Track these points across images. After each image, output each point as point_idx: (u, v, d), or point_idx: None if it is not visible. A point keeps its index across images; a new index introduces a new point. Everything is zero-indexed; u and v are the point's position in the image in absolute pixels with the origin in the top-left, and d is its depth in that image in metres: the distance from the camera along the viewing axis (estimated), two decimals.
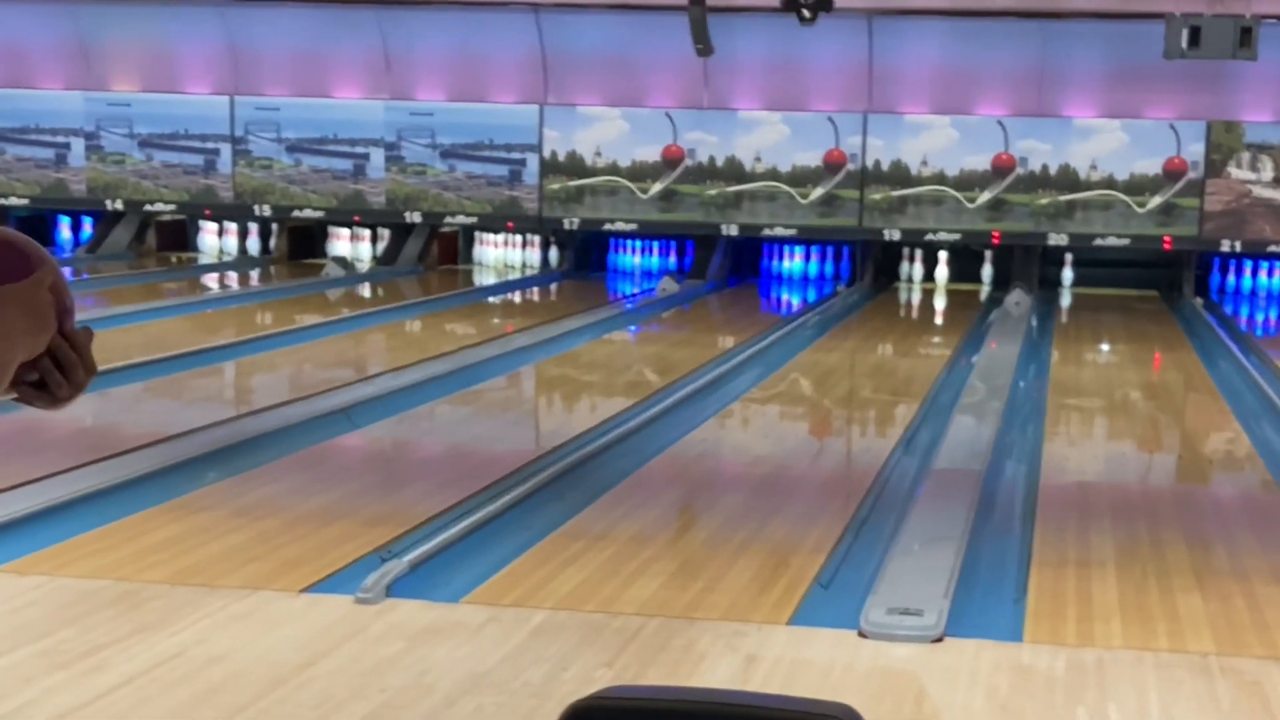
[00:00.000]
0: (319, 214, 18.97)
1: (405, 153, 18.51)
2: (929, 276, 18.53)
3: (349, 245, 19.54)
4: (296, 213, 18.97)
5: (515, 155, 18.36)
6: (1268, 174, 17.10)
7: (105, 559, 6.07)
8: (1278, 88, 16.96)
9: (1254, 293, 18.05)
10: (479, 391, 10.59)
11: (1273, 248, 17.20)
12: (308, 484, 7.58)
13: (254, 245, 19.81)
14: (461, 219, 18.66)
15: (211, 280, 17.95)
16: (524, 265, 19.33)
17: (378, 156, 18.56)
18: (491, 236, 19.37)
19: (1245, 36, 12.99)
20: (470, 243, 19.63)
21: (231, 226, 19.83)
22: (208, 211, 19.37)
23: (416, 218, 18.68)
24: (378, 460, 8.77)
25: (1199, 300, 17.04)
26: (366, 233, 19.53)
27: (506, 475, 7.68)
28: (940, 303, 17.54)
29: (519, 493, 7.20)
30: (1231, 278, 18.13)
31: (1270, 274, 18.06)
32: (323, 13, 18.09)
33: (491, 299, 17.28)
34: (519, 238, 19.33)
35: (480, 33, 18.08)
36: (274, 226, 19.66)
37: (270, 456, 8.08)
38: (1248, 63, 13.47)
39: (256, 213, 19.08)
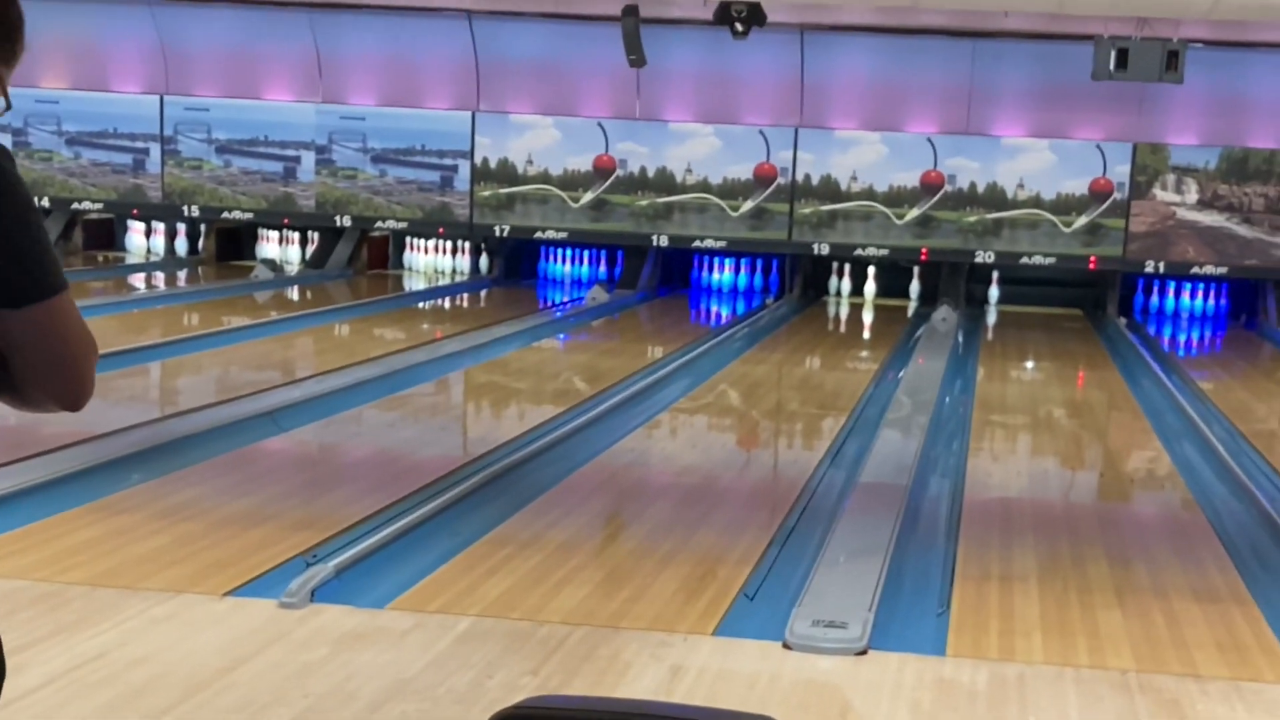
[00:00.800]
0: (248, 216, 18.86)
1: (336, 156, 18.43)
2: (857, 291, 18.64)
3: (278, 248, 19.45)
4: (225, 214, 18.85)
5: (447, 161, 18.32)
6: (1192, 196, 17.30)
7: (25, 559, 6.01)
8: (1203, 111, 17.17)
9: (1176, 313, 18.27)
10: (407, 397, 10.56)
11: (1196, 269, 17.40)
12: (232, 487, 7.53)
13: (182, 246, 19.70)
14: (392, 224, 18.60)
15: (138, 280, 17.81)
16: (454, 271, 19.31)
17: (308, 159, 18.48)
18: (422, 242, 19.34)
19: (1172, 60, 13.14)
20: (401, 248, 19.60)
21: (159, 226, 19.70)
22: (135, 211, 19.22)
23: (347, 221, 18.61)
24: (304, 464, 8.73)
25: (1123, 320, 17.22)
26: (296, 236, 19.45)
27: (434, 481, 7.67)
28: (868, 317, 17.63)
29: (446, 499, 7.18)
30: (1155, 298, 18.34)
31: (1193, 295, 18.28)
32: (254, 14, 17.99)
33: (421, 304, 17.23)
34: (450, 244, 19.31)
35: (413, 38, 18.04)
36: (202, 227, 19.55)
37: (195, 459, 8.02)
38: (1174, 86, 13.62)
39: (185, 213, 18.95)
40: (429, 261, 19.39)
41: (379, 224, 18.64)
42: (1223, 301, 18.33)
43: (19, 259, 2.15)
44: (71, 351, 2.22)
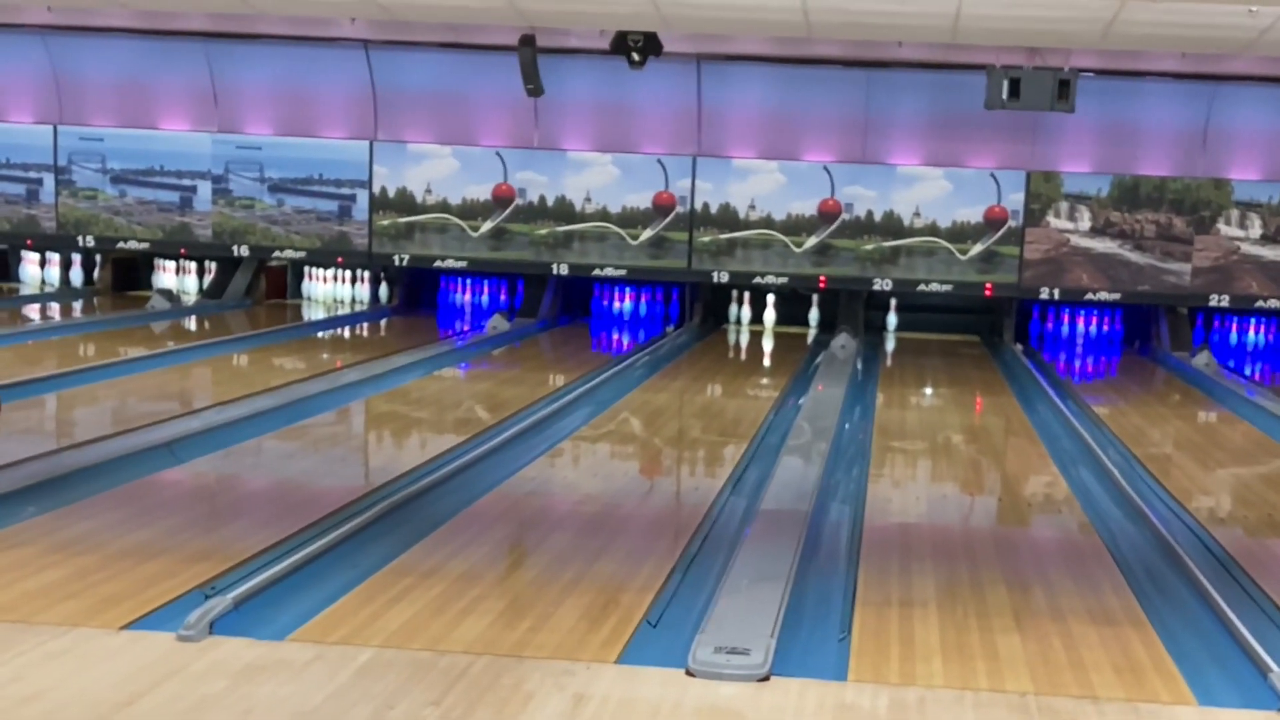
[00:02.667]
0: (144, 246, 18.67)
1: (233, 186, 18.30)
2: (757, 319, 18.76)
3: (175, 278, 19.28)
4: (121, 244, 18.65)
5: (345, 190, 18.24)
6: (1085, 224, 17.54)
7: None
8: (1094, 139, 17.43)
9: (1071, 339, 18.52)
10: (306, 427, 10.48)
11: (1090, 295, 17.63)
12: (129, 519, 7.43)
13: (77, 276, 19.49)
14: (290, 253, 18.48)
15: (33, 311, 17.56)
16: (354, 301, 19.23)
17: (205, 189, 18.34)
18: (321, 271, 19.25)
19: (1063, 89, 13.29)
20: (299, 277, 19.49)
21: (54, 257, 19.49)
22: (29, 241, 18.97)
23: (244, 251, 18.47)
24: (202, 495, 8.63)
25: (1019, 346, 17.45)
26: (193, 265, 19.28)
27: (333, 511, 7.62)
28: (768, 345, 17.72)
29: (346, 529, 7.14)
30: (1050, 324, 18.59)
31: (1087, 321, 18.54)
32: (149, 43, 17.84)
33: (320, 334, 17.13)
34: (348, 273, 19.24)
35: (310, 67, 17.96)
36: (98, 258, 19.34)
37: (91, 491, 7.91)
38: (1066, 114, 13.80)
39: (80, 243, 18.73)
40: (328, 291, 19.30)
41: (277, 253, 18.51)
42: (1116, 327, 18.60)
43: None
44: None
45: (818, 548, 7.45)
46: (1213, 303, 17.61)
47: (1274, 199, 17.38)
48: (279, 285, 19.49)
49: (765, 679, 5.27)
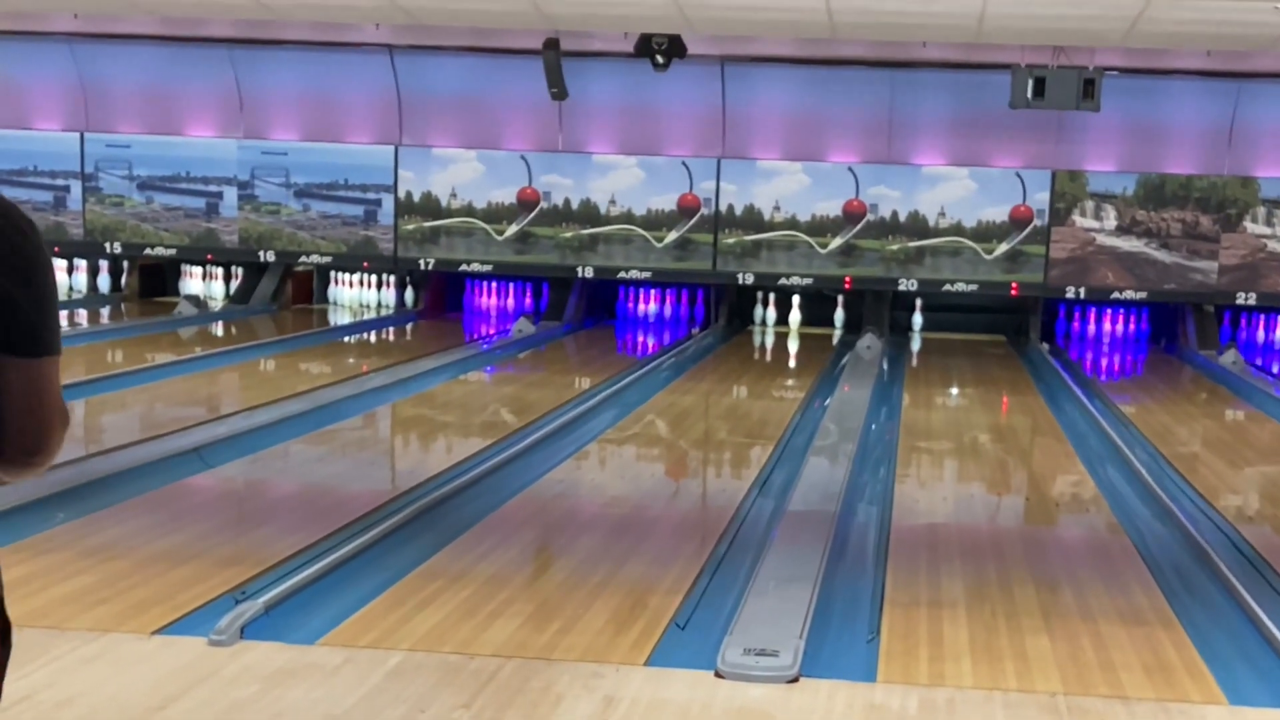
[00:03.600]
0: (171, 252, 18.75)
1: (259, 191, 18.37)
2: (782, 320, 18.76)
3: (202, 284, 19.35)
4: (148, 251, 18.74)
5: (370, 195, 18.29)
6: (1110, 222, 17.50)
7: None
8: (1120, 138, 17.39)
9: (1098, 338, 18.48)
10: (334, 431, 10.52)
11: (1116, 294, 17.60)
12: (159, 524, 7.47)
13: (105, 283, 19.57)
14: (316, 258, 18.55)
15: (61, 318, 17.59)
16: (379, 305, 19.28)
17: (231, 195, 18.41)
18: (347, 276, 19.31)
19: (1088, 88, 13.29)
20: (325, 282, 19.56)
21: (82, 264, 19.56)
22: (57, 249, 19.03)
23: (270, 256, 18.54)
24: (230, 500, 8.67)
25: (1045, 345, 17.41)
26: (220, 271, 19.35)
27: (362, 515, 7.64)
28: (793, 346, 17.73)
29: (375, 533, 7.16)
30: (1076, 323, 18.55)
31: (1113, 320, 18.50)
32: (175, 50, 17.92)
33: (347, 338, 17.17)
34: (374, 277, 19.29)
35: (335, 73, 18.02)
36: (125, 264, 19.42)
37: (120, 497, 7.94)
38: (1091, 113, 13.78)
39: (107, 250, 18.82)
40: (354, 295, 19.36)
41: (303, 259, 18.58)
42: (1143, 326, 18.56)
43: (45, 313, 2.39)
44: (50, 410, 2.46)
45: (845, 549, 7.46)
46: (1240, 301, 17.56)
47: None
48: (305, 290, 19.55)
49: (794, 680, 5.27)
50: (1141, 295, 17.61)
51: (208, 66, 18.08)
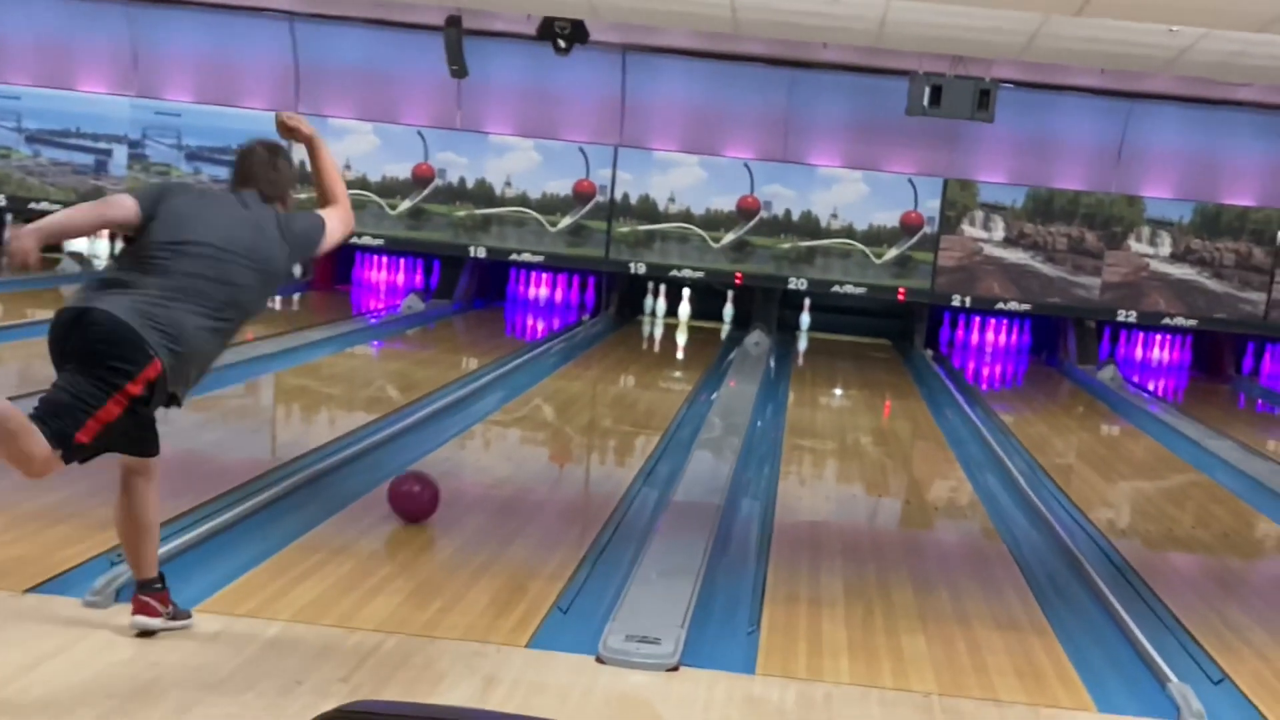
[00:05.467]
0: (57, 207, 18.36)
1: (150, 151, 18.11)
2: (672, 312, 18.83)
3: (87, 241, 19.03)
4: (33, 205, 18.39)
5: None
6: (999, 233, 17.72)
7: None
8: (1012, 150, 17.61)
9: (981, 347, 18.71)
10: (216, 398, 10.38)
11: (1001, 305, 17.82)
12: (34, 483, 7.23)
13: None
14: None
15: None
16: None
17: (121, 154, 18.13)
18: None
19: (984, 99, 13.43)
20: None
21: None
22: None
23: None
24: (109, 462, 8.51)
25: (929, 351, 17.62)
26: (105, 229, 19.02)
27: (243, 484, 7.57)
28: (682, 338, 17.79)
29: (255, 502, 7.11)
30: (961, 332, 18.77)
31: (997, 330, 18.73)
32: (70, 4, 17.61)
33: None
34: None
35: (233, 37, 17.81)
36: (9, 217, 19.05)
37: None
38: (985, 124, 13.93)
39: None
40: None
41: None
42: (1025, 338, 18.82)
43: None
44: None
45: (728, 542, 7.49)
46: (1120, 318, 17.85)
47: (1184, 218, 17.63)
48: None
49: (675, 669, 5.30)
50: (1025, 307, 17.86)
51: (102, 22, 17.79)
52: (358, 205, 17.83)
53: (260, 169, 5.40)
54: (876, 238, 17.76)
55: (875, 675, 5.58)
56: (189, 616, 5.31)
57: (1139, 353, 18.76)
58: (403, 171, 17.99)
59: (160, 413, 5.06)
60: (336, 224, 5.76)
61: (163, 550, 6.00)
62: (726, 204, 17.81)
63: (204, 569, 6.10)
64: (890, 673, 5.63)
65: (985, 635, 6.22)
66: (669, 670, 5.29)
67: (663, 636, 5.49)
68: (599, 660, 5.32)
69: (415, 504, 7.25)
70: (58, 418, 4.67)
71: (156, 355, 4.76)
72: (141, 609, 5.13)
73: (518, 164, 17.95)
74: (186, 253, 4.97)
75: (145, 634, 5.14)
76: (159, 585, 5.19)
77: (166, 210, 5.05)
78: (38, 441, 4.59)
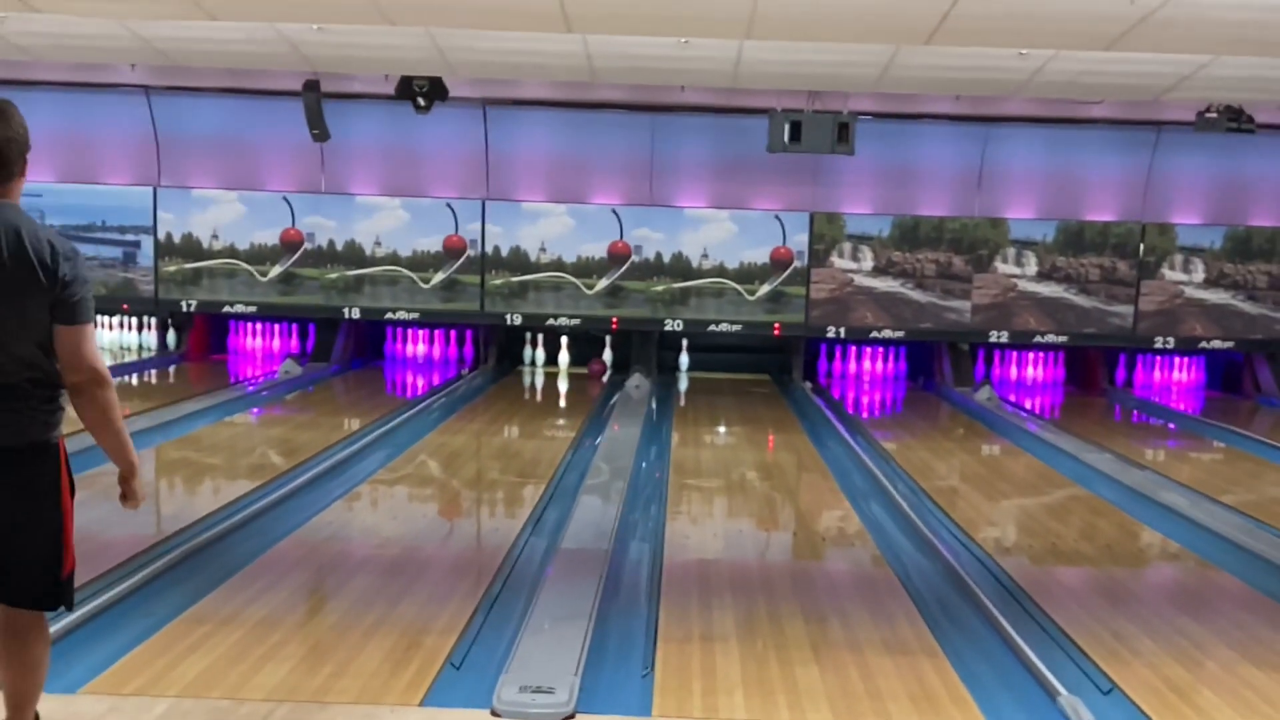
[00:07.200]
0: None
1: None
2: (551, 360, 18.85)
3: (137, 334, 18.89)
4: None
5: (129, 237, 17.93)
6: (868, 263, 17.92)
7: None
8: (875, 181, 17.83)
9: (858, 376, 18.88)
10: (94, 476, 10.19)
11: (875, 334, 18.00)
12: None
13: None
14: None
15: None
16: (141, 347, 18.89)
17: None
18: (106, 319, 18.88)
19: (843, 132, 13.61)
20: None
21: None
22: None
23: None
24: None
25: (808, 384, 17.76)
26: None
27: (125, 561, 7.47)
28: (563, 386, 17.80)
29: (138, 578, 7.04)
30: (838, 362, 18.94)
31: (873, 359, 18.93)
32: None
33: None
34: (135, 320, 18.91)
35: (90, 113, 17.65)
36: None
37: None
38: (846, 157, 14.10)
39: None
40: (114, 338, 18.95)
41: None
42: (901, 364, 19.03)
43: None
44: None
45: (619, 586, 7.51)
46: (992, 339, 18.11)
47: (1048, 237, 17.94)
48: None
49: (570, 717, 5.30)
50: (899, 334, 18.06)
51: None
52: (228, 274, 17.79)
53: None
54: (748, 275, 17.89)
55: (771, 709, 5.61)
56: None
57: (1013, 372, 19.03)
58: (270, 238, 17.90)
59: None
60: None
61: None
62: (597, 250, 17.87)
63: (89, 649, 6.02)
64: (786, 705, 5.67)
65: (877, 662, 6.28)
66: (565, 719, 5.29)
67: (557, 685, 5.49)
68: (494, 714, 5.31)
69: None
70: None
71: None
72: None
73: (386, 223, 17.92)
74: None
75: None
76: None
77: None
78: None
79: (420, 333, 18.94)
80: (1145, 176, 17.92)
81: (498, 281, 17.90)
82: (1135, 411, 17.25)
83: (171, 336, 19.01)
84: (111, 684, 5.60)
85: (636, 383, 16.36)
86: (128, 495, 4.87)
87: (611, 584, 7.39)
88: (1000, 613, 6.98)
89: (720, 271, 17.92)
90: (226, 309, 18.07)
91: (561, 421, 15.05)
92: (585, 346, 18.83)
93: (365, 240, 17.92)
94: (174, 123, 17.79)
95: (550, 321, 18.02)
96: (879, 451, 12.67)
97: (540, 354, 18.95)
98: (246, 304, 17.98)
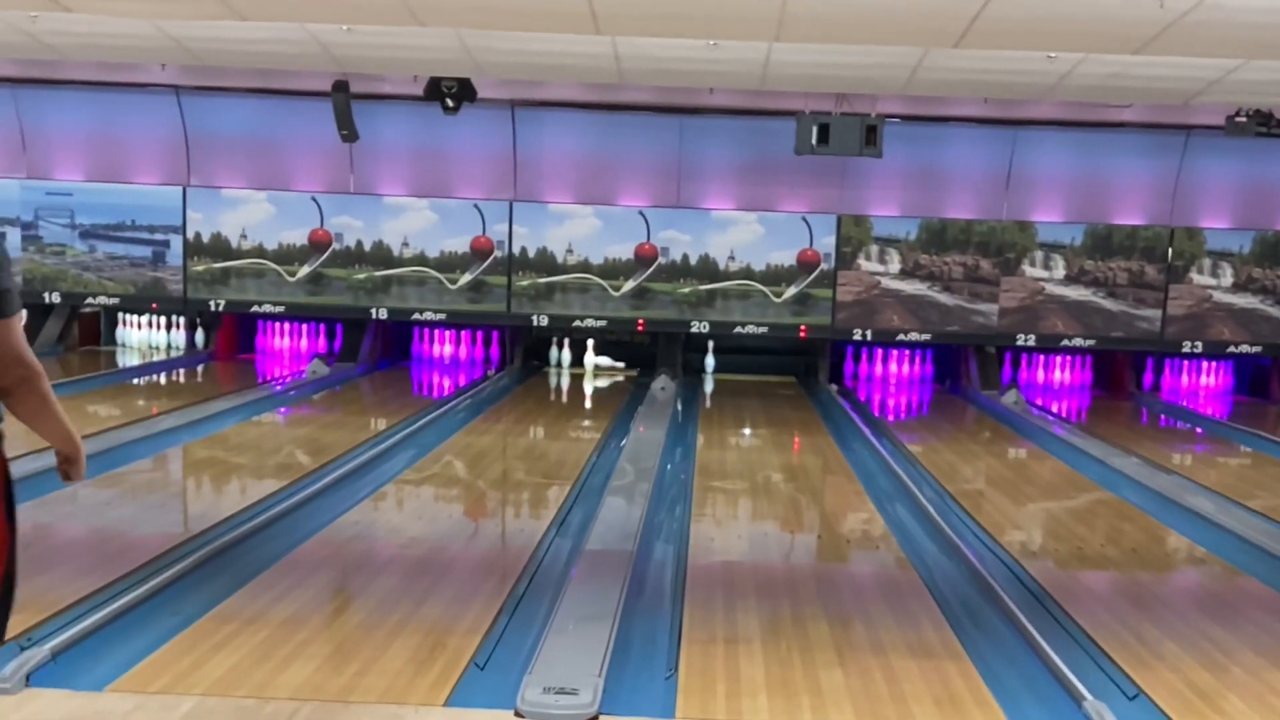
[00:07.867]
0: None
1: (43, 232, 17.97)
2: (577, 362, 18.87)
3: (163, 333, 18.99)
4: None
5: (158, 236, 18.00)
6: (895, 266, 17.89)
7: None
8: (902, 183, 17.81)
9: (884, 379, 18.86)
10: (123, 474, 10.30)
11: (901, 336, 17.98)
12: None
13: None
14: (103, 300, 18.19)
15: None
16: (169, 346, 18.97)
17: (14, 236, 17.96)
18: (135, 318, 18.97)
19: (871, 135, 13.59)
20: (113, 324, 19.20)
21: None
22: None
23: (56, 298, 18.14)
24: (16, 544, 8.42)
25: (833, 386, 17.74)
26: None
27: (153, 559, 7.50)
28: (589, 387, 17.82)
29: (166, 577, 7.05)
30: (864, 365, 18.92)
31: (899, 362, 18.90)
32: None
33: (136, 380, 16.82)
34: (164, 319, 19.00)
35: (120, 113, 17.71)
36: None
37: None
38: (874, 159, 14.10)
39: None
40: (142, 337, 19.04)
41: (89, 300, 18.21)
42: (927, 367, 19.00)
43: None
44: None
45: (643, 587, 7.52)
46: (1020, 342, 18.07)
47: (1076, 240, 17.89)
48: (92, 332, 19.18)
49: (594, 718, 5.31)
50: (925, 337, 18.03)
51: None
52: (256, 274, 17.84)
53: None
54: (775, 277, 17.88)
55: (794, 712, 5.61)
56: None
57: (1040, 375, 18.99)
58: (299, 238, 17.94)
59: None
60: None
61: (73, 630, 5.97)
62: (624, 252, 17.89)
63: (115, 648, 6.05)
64: (809, 708, 5.67)
65: (902, 665, 6.27)
66: None
67: (581, 686, 5.50)
68: (517, 714, 5.32)
69: None
70: None
71: None
72: None
73: (414, 224, 17.95)
74: None
75: None
76: None
77: None
78: None
79: (447, 333, 18.99)
80: (1174, 180, 17.87)
81: (524, 283, 17.93)
82: (1162, 416, 17.19)
83: (200, 336, 19.11)
84: (137, 682, 5.63)
85: (662, 384, 16.38)
86: (73, 476, 4.54)
87: (636, 585, 7.39)
88: (1025, 617, 6.97)
89: (747, 273, 17.91)
90: (255, 309, 18.12)
91: (587, 422, 15.05)
92: (611, 348, 18.92)
93: (393, 241, 17.96)
94: (203, 122, 17.85)
95: (576, 323, 18.03)
96: (904, 454, 12.65)
97: (566, 355, 19.02)
98: (274, 304, 18.03)
